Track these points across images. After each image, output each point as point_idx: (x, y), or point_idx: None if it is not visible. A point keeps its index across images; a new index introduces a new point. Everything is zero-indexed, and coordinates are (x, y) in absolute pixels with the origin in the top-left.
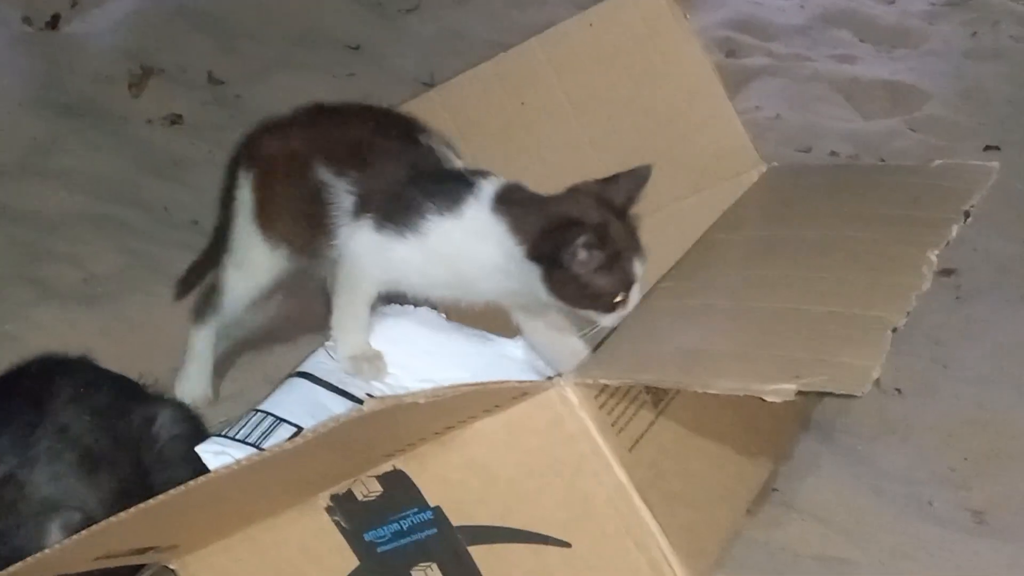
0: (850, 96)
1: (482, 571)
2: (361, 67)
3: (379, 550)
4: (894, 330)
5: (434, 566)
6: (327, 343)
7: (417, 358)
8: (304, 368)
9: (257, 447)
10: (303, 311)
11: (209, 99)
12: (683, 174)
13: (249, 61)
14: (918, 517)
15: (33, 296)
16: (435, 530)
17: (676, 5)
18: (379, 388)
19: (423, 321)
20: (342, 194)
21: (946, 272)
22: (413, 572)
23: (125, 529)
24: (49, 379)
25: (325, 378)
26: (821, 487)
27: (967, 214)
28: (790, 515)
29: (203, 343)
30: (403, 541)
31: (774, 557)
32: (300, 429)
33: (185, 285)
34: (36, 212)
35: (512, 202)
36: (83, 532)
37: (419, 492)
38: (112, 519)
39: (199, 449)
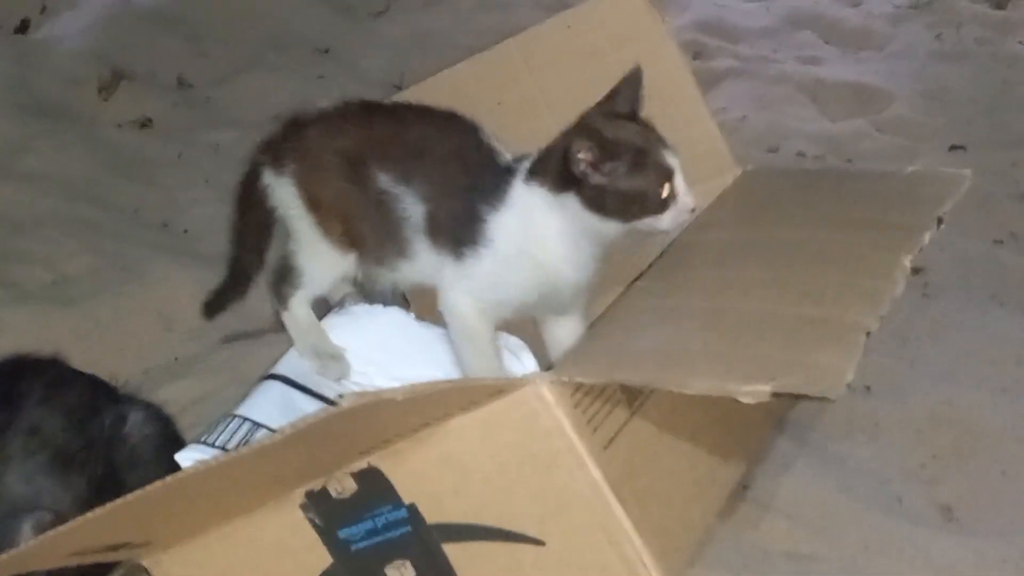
0: (816, 97)
1: (456, 569)
2: (331, 70)
3: (353, 548)
4: (868, 334)
5: (408, 564)
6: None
7: (389, 357)
8: (277, 370)
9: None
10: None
11: (179, 101)
12: None
13: (218, 64)
14: (887, 514)
15: (3, 297)
16: (409, 528)
17: (653, 7)
18: (352, 388)
19: (393, 320)
20: (409, 206)
21: (914, 271)
22: (387, 570)
23: (99, 525)
24: (20, 379)
25: (299, 380)
26: (791, 485)
27: (940, 220)
28: (761, 513)
29: (303, 314)
30: (377, 539)
31: (745, 554)
32: None
33: (211, 308)
34: (5, 213)
35: (537, 164)
36: (56, 528)
37: (393, 489)
38: (87, 515)
39: (178, 456)
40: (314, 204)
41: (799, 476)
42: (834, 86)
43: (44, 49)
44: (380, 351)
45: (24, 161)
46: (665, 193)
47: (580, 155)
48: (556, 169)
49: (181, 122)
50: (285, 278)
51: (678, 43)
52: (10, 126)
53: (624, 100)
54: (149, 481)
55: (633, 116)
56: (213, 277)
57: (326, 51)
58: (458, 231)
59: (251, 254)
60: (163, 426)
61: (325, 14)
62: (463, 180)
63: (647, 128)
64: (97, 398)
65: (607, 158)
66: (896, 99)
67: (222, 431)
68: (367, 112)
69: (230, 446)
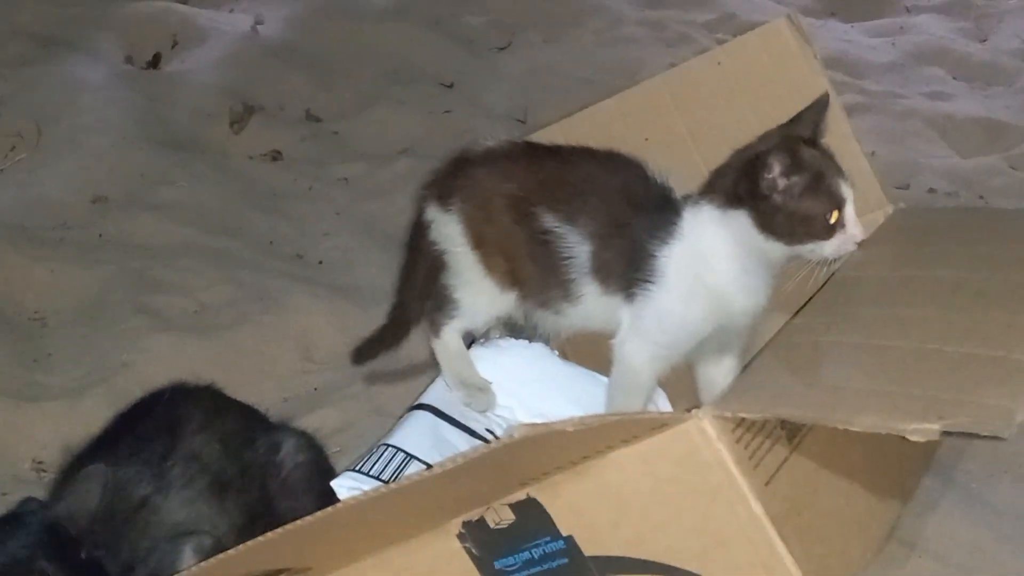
0: (945, 133)
1: None
2: (455, 104)
3: None
4: None
5: None
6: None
7: (531, 392)
8: (426, 400)
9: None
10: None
11: (307, 135)
12: None
13: (345, 98)
14: None
15: (146, 326)
16: (566, 560)
17: (806, 43)
18: (496, 422)
19: (537, 357)
20: (575, 245)
21: None
22: None
23: (262, 551)
24: (180, 407)
25: (446, 411)
26: (937, 524)
27: None
28: (907, 552)
29: (454, 345)
30: (534, 570)
31: None
32: (428, 467)
33: (361, 355)
34: (145, 243)
35: (708, 183)
36: (225, 553)
37: (551, 521)
38: (251, 542)
39: (334, 484)
40: (479, 241)
41: (945, 515)
42: (964, 122)
43: (176, 83)
44: (523, 386)
45: (161, 193)
46: (834, 220)
47: (775, 167)
48: (732, 184)
49: (310, 155)
50: (441, 308)
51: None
52: (146, 158)
53: (807, 125)
54: (301, 508)
55: (814, 141)
56: (350, 308)
57: (450, 85)
58: (627, 270)
59: (416, 301)
60: (315, 454)
61: (448, 49)
62: (630, 217)
63: (827, 154)
64: (251, 426)
65: (793, 172)
66: None
67: (376, 460)
68: (531, 152)
69: (384, 476)
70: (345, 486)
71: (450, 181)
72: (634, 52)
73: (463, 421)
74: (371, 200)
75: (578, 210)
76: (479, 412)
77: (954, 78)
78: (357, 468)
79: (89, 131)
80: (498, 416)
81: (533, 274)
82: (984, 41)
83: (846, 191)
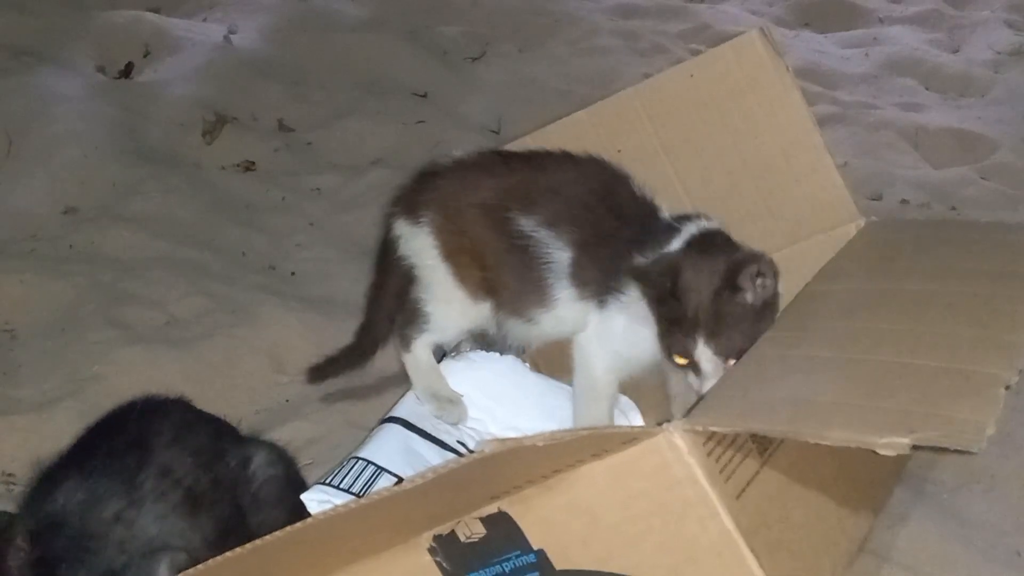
0: (918, 144)
1: None
2: (429, 114)
3: None
4: (1007, 387)
5: None
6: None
7: (503, 406)
8: (397, 413)
9: (359, 497)
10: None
11: (280, 146)
12: (780, 225)
13: (318, 109)
14: (1006, 567)
15: (117, 338)
16: (537, 573)
17: (777, 56)
18: (468, 434)
19: (509, 369)
20: (554, 251)
21: None
22: None
23: (233, 566)
24: (151, 420)
25: (418, 424)
26: (908, 536)
27: None
28: (880, 564)
29: (425, 358)
30: None
31: None
32: (400, 479)
33: (318, 373)
34: (116, 255)
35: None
36: (195, 568)
37: (522, 535)
38: (220, 558)
39: (304, 497)
40: (450, 253)
41: (916, 527)
42: (936, 133)
43: (148, 93)
44: (495, 399)
45: (132, 204)
46: None
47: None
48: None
49: (283, 166)
50: (412, 322)
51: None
52: (118, 169)
53: None
54: (272, 521)
55: None
56: (322, 320)
57: (424, 96)
58: (605, 277)
59: (385, 322)
60: (286, 467)
61: (422, 59)
62: (615, 228)
63: None
64: (222, 439)
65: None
66: (1000, 146)
67: (346, 473)
68: (504, 160)
69: (355, 489)
70: (315, 499)
71: (418, 195)
72: (609, 62)
73: (434, 434)
74: (345, 211)
75: (558, 215)
76: (451, 424)
77: (927, 89)
78: (327, 481)
79: (60, 142)
80: (470, 428)
81: (508, 281)
82: (956, 52)
83: None
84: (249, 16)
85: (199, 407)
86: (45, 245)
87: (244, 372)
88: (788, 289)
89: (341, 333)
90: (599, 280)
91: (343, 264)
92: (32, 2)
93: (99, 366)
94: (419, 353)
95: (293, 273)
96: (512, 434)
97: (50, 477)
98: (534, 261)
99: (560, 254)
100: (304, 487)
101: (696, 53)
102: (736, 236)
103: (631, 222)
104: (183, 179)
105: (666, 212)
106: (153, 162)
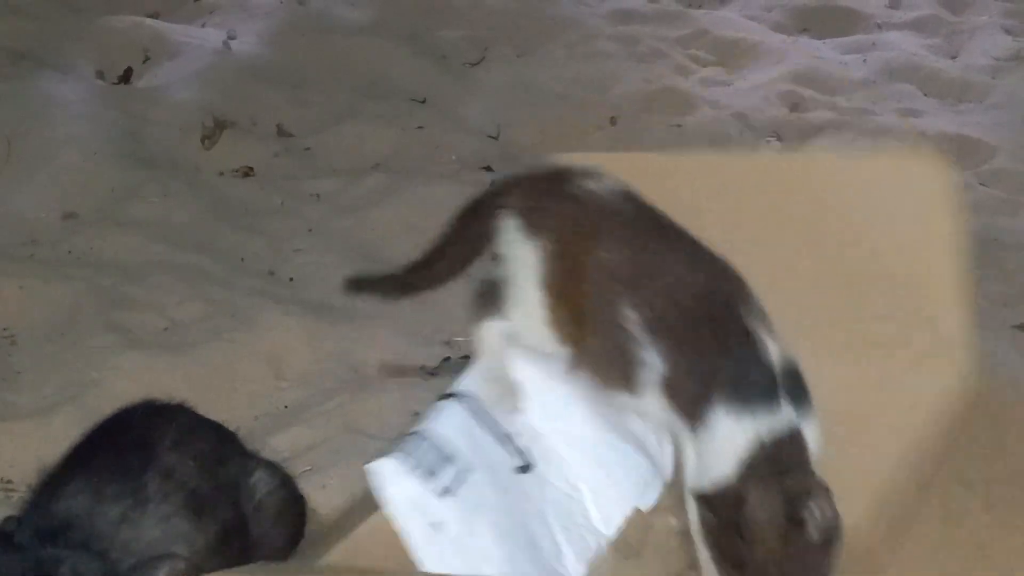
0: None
1: None
2: (428, 119)
3: None
4: None
5: None
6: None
7: (551, 402)
8: (460, 388)
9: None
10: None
11: (279, 151)
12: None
13: (317, 114)
14: None
15: (116, 343)
16: None
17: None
18: (517, 424)
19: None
20: (647, 356)
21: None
22: None
23: None
24: (154, 423)
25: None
26: None
27: None
28: None
29: (497, 340)
30: None
31: None
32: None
33: (356, 284)
34: (116, 260)
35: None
36: None
37: None
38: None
39: (369, 467)
40: (552, 288)
41: None
42: (935, 138)
43: (148, 98)
44: (545, 396)
45: (132, 209)
46: None
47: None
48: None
49: (282, 171)
50: (491, 303)
51: (774, 94)
52: (117, 174)
53: None
54: (272, 538)
55: None
56: (322, 325)
57: (423, 101)
58: (698, 400)
59: (444, 274)
60: (284, 480)
61: (421, 64)
62: (713, 353)
63: None
64: (224, 446)
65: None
66: (999, 152)
67: (412, 449)
68: (634, 214)
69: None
70: (383, 472)
71: (542, 212)
72: (608, 67)
73: (491, 414)
74: (344, 216)
75: (661, 320)
76: (506, 411)
77: (925, 94)
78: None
79: (59, 146)
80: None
81: (598, 352)
82: (955, 57)
83: None
84: (248, 21)
85: (199, 412)
86: (44, 250)
87: (243, 377)
88: None
89: (340, 337)
90: (693, 400)
91: (342, 269)
92: (31, 6)
93: (98, 371)
94: (491, 333)
95: (292, 278)
96: (553, 433)
97: (55, 478)
98: (629, 352)
99: (654, 361)
100: (303, 503)
101: (695, 59)
102: None
103: (730, 355)
104: (182, 184)
105: (769, 346)
106: (152, 167)
